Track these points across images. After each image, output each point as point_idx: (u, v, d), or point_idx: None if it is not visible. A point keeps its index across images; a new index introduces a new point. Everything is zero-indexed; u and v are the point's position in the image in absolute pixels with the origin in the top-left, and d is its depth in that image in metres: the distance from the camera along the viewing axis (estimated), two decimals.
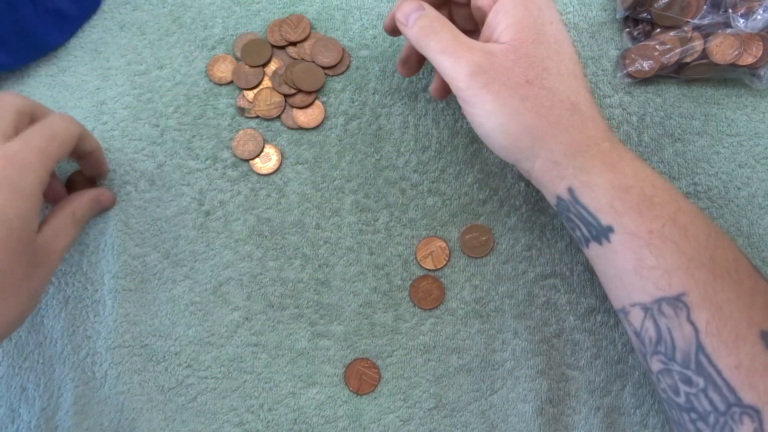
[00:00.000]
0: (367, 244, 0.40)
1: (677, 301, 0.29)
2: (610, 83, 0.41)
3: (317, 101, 0.41)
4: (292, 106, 0.41)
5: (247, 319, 0.39)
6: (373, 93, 0.42)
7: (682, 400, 0.30)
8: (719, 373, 0.28)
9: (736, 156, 0.40)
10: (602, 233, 0.31)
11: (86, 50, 0.42)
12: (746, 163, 0.40)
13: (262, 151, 0.40)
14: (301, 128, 0.41)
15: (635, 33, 0.41)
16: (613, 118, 0.41)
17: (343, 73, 0.42)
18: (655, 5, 0.39)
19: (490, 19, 0.32)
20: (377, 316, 0.39)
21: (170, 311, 0.39)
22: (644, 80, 0.41)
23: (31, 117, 0.34)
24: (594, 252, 0.32)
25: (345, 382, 0.38)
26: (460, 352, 0.38)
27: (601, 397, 0.38)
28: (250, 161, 0.41)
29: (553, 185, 0.32)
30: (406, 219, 0.40)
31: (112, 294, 0.39)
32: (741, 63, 0.39)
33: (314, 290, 0.39)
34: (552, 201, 0.33)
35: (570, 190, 0.31)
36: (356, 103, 0.41)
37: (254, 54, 0.42)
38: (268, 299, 0.39)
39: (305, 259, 0.40)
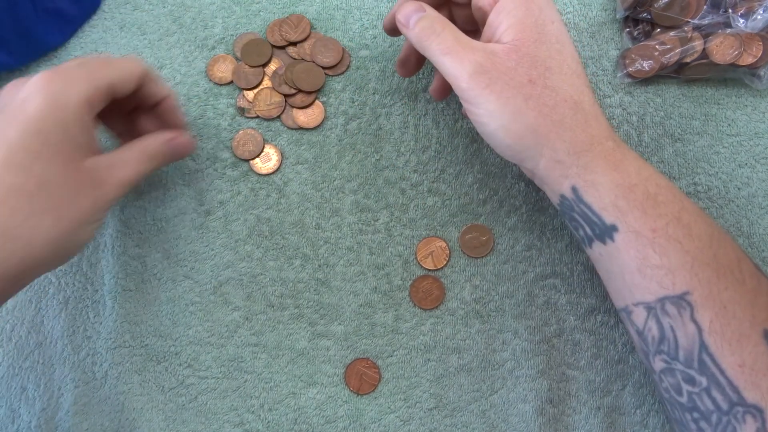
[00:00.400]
0: (367, 244, 0.40)
1: (681, 300, 0.29)
2: (610, 83, 0.41)
3: (317, 101, 0.41)
4: (292, 106, 0.41)
5: (247, 319, 0.39)
6: (373, 93, 0.42)
7: (684, 399, 0.30)
8: (722, 372, 0.28)
9: (736, 156, 0.40)
10: (606, 232, 0.31)
11: (86, 50, 0.42)
12: (746, 163, 0.40)
13: (262, 151, 0.41)
14: (301, 128, 0.41)
15: (635, 33, 0.41)
16: (613, 118, 0.41)
17: (343, 73, 0.42)
18: (655, 5, 0.39)
19: (492, 19, 0.32)
20: (377, 316, 0.39)
21: (170, 311, 0.39)
22: (644, 80, 0.41)
23: None
24: (597, 251, 0.32)
25: (345, 382, 0.38)
26: (461, 352, 0.38)
27: (602, 397, 0.38)
28: (250, 161, 0.41)
29: (556, 184, 0.32)
30: (406, 219, 0.40)
31: (112, 294, 0.39)
32: (741, 63, 0.39)
33: (314, 290, 0.39)
34: (555, 200, 0.33)
35: (574, 189, 0.31)
36: (356, 103, 0.41)
37: (254, 54, 0.42)
38: (268, 299, 0.39)
39: (305, 259, 0.40)
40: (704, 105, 0.41)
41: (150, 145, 0.35)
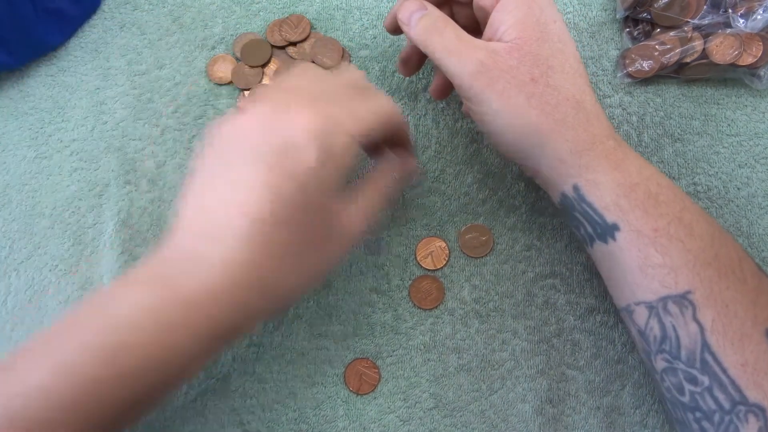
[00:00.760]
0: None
1: (683, 300, 0.29)
2: (610, 83, 0.41)
3: None
4: None
5: None
6: None
7: (686, 399, 0.30)
8: (725, 371, 0.28)
9: (736, 156, 0.40)
10: (607, 231, 0.31)
11: (86, 50, 0.42)
12: (746, 163, 0.40)
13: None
14: None
15: (635, 33, 0.41)
16: (613, 118, 0.41)
17: None
18: (655, 5, 0.39)
19: (494, 18, 0.32)
20: (377, 316, 0.39)
21: None
22: (644, 80, 0.41)
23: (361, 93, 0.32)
24: (598, 250, 0.32)
25: (345, 382, 0.38)
26: (460, 352, 0.38)
27: (601, 397, 0.38)
28: None
29: (558, 183, 0.32)
30: (405, 219, 0.40)
31: None
32: (741, 63, 0.39)
33: (314, 290, 0.39)
34: (556, 199, 0.33)
35: (575, 188, 0.31)
36: None
37: (254, 54, 0.42)
38: None
39: None
40: (704, 105, 0.41)
41: (384, 181, 0.33)
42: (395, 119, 0.32)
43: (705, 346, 0.28)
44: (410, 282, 0.39)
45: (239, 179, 0.27)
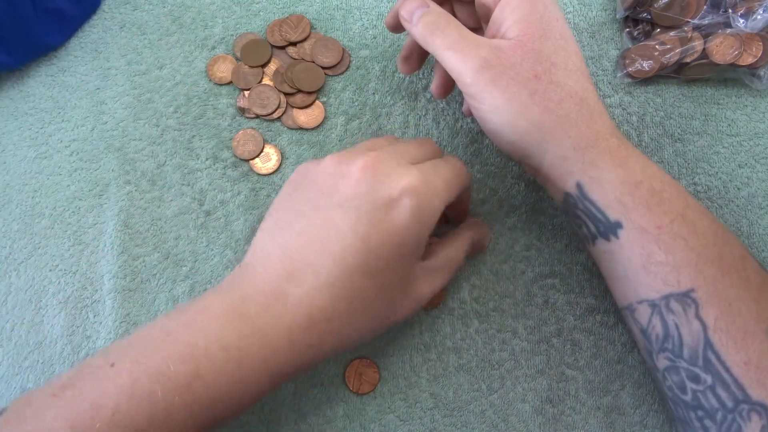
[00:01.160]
0: None
1: (686, 298, 0.29)
2: (610, 83, 0.41)
3: (317, 101, 0.41)
4: (293, 106, 0.41)
5: None
6: (374, 93, 0.42)
7: (688, 397, 0.30)
8: (727, 369, 0.28)
9: (736, 156, 0.40)
10: (610, 229, 0.31)
11: (86, 50, 0.42)
12: (746, 163, 0.40)
13: (262, 151, 0.41)
14: (301, 128, 0.41)
15: (635, 33, 0.41)
16: (613, 118, 0.41)
17: (343, 73, 0.42)
18: (655, 5, 0.39)
19: (496, 15, 0.32)
20: None
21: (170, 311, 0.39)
22: (644, 80, 0.41)
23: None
24: (600, 249, 0.32)
25: (344, 381, 0.38)
26: (460, 352, 0.38)
27: (601, 397, 0.38)
28: (250, 161, 0.41)
29: (561, 181, 0.32)
30: None
31: (112, 294, 0.39)
32: (741, 63, 0.39)
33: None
34: (558, 198, 0.33)
35: (579, 186, 0.31)
36: (356, 103, 0.41)
37: (254, 54, 0.42)
38: None
39: None
40: (704, 105, 0.41)
41: (459, 254, 0.34)
42: (468, 182, 0.34)
43: (708, 344, 0.28)
44: None
45: (332, 224, 0.28)
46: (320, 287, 0.27)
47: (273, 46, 0.42)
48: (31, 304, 0.39)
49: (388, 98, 0.42)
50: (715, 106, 0.41)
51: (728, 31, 0.39)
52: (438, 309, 0.39)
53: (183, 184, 0.40)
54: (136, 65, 0.42)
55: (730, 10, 0.39)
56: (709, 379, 0.28)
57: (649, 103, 0.41)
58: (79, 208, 0.40)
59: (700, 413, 0.29)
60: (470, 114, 0.40)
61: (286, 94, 0.41)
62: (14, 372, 0.38)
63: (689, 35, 0.39)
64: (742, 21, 0.38)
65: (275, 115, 0.41)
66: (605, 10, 0.42)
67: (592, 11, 0.42)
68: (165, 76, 0.42)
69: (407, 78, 0.42)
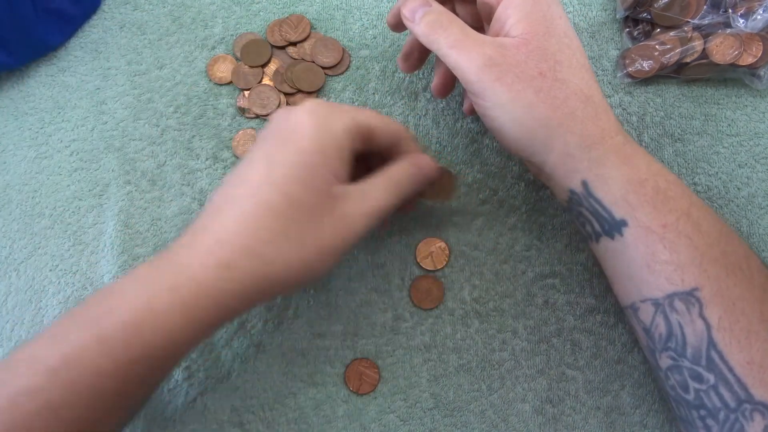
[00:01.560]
0: (366, 243, 0.40)
1: (690, 297, 0.29)
2: (610, 83, 0.41)
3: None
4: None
5: (246, 319, 0.39)
6: (374, 93, 0.42)
7: (691, 397, 0.29)
8: (731, 369, 0.28)
9: (736, 156, 0.40)
10: (615, 227, 0.31)
11: (86, 50, 0.42)
12: (746, 163, 0.40)
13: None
14: None
15: (635, 33, 0.41)
16: None
17: (343, 73, 0.42)
18: (655, 5, 0.39)
19: (500, 13, 0.32)
20: (377, 315, 0.39)
21: None
22: (644, 80, 0.41)
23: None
24: (604, 247, 0.32)
25: (345, 381, 0.38)
26: (460, 352, 0.38)
27: (601, 397, 0.38)
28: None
29: (566, 179, 0.32)
30: (405, 219, 0.40)
31: None
32: (741, 63, 0.39)
33: (314, 290, 0.39)
34: (563, 196, 0.33)
35: (584, 183, 0.31)
36: (356, 103, 0.41)
37: (254, 54, 0.42)
38: None
39: None
40: (704, 105, 0.41)
41: (396, 173, 0.33)
42: (392, 126, 0.33)
43: (711, 343, 0.28)
44: (410, 282, 0.39)
45: (251, 163, 0.30)
46: (237, 218, 0.28)
47: (273, 46, 0.42)
48: (31, 304, 0.39)
49: (388, 98, 0.42)
50: (715, 106, 0.41)
51: (728, 31, 0.39)
52: (438, 309, 0.39)
53: (183, 184, 0.40)
54: (136, 65, 0.42)
55: (730, 10, 0.39)
56: (711, 378, 0.28)
57: (649, 103, 0.41)
58: (79, 208, 0.40)
59: (702, 413, 0.29)
60: (471, 113, 0.40)
61: (286, 94, 0.41)
62: None
63: (689, 35, 0.39)
64: (742, 21, 0.38)
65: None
66: (605, 10, 0.42)
67: (592, 11, 0.42)
68: (165, 76, 0.42)
69: (407, 78, 0.42)
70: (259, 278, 0.28)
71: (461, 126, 0.41)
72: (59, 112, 0.42)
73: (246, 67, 0.42)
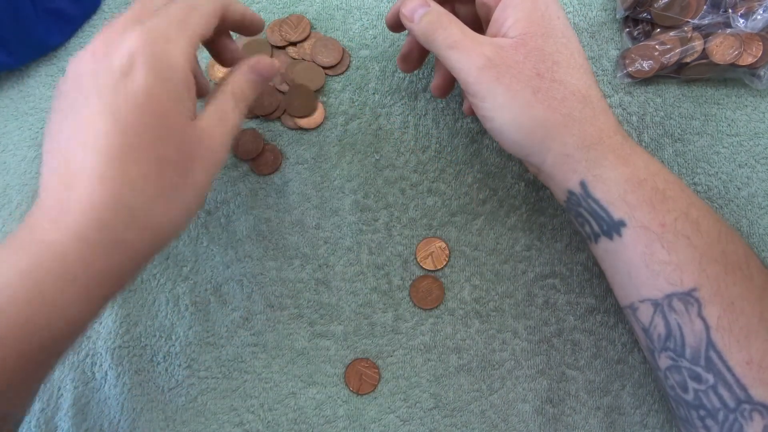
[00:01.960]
0: (366, 244, 0.40)
1: (688, 297, 0.29)
2: (610, 83, 0.41)
3: (317, 101, 0.41)
4: None
5: (246, 319, 0.39)
6: (373, 93, 0.42)
7: (690, 397, 0.29)
8: (729, 369, 0.28)
9: (736, 156, 0.40)
10: (613, 227, 0.31)
11: None
12: (746, 163, 0.40)
13: (262, 151, 0.40)
14: (300, 128, 0.41)
15: (635, 33, 0.41)
16: None
17: (343, 73, 0.42)
18: (655, 5, 0.39)
19: (498, 14, 0.32)
20: (377, 316, 0.39)
21: (170, 311, 0.39)
22: (644, 80, 0.41)
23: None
24: (603, 247, 0.32)
25: (345, 382, 0.38)
26: (460, 352, 0.38)
27: (601, 397, 0.38)
28: (250, 161, 0.41)
29: (564, 179, 0.32)
30: (405, 219, 0.40)
31: None
32: (741, 63, 0.39)
33: (314, 290, 0.39)
34: (562, 196, 0.33)
35: (582, 184, 0.31)
36: (356, 103, 0.41)
37: (254, 54, 0.41)
38: (267, 299, 0.39)
39: (305, 259, 0.40)
40: (704, 105, 0.41)
41: (237, 87, 0.31)
42: (219, 10, 0.31)
43: (710, 343, 0.28)
44: (410, 282, 0.39)
45: (82, 116, 0.27)
46: (93, 182, 0.26)
47: (273, 46, 0.42)
48: None
49: (388, 98, 0.42)
50: (715, 106, 0.41)
51: (728, 31, 0.39)
52: (438, 309, 0.39)
53: None
54: None
55: (730, 10, 0.39)
56: (711, 378, 0.28)
57: (649, 103, 0.41)
58: None
59: (701, 413, 0.29)
60: (471, 113, 0.40)
61: (286, 94, 0.41)
62: None
63: (689, 35, 0.39)
64: (742, 21, 0.38)
65: (275, 115, 0.41)
66: (605, 10, 0.42)
67: (592, 11, 0.42)
68: None
69: (407, 78, 0.42)
70: (147, 244, 0.27)
71: (461, 126, 0.41)
72: None
73: None
